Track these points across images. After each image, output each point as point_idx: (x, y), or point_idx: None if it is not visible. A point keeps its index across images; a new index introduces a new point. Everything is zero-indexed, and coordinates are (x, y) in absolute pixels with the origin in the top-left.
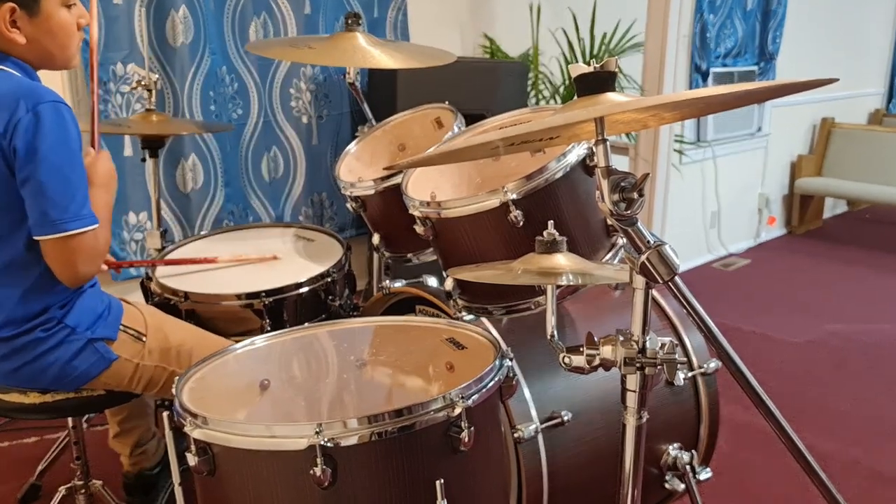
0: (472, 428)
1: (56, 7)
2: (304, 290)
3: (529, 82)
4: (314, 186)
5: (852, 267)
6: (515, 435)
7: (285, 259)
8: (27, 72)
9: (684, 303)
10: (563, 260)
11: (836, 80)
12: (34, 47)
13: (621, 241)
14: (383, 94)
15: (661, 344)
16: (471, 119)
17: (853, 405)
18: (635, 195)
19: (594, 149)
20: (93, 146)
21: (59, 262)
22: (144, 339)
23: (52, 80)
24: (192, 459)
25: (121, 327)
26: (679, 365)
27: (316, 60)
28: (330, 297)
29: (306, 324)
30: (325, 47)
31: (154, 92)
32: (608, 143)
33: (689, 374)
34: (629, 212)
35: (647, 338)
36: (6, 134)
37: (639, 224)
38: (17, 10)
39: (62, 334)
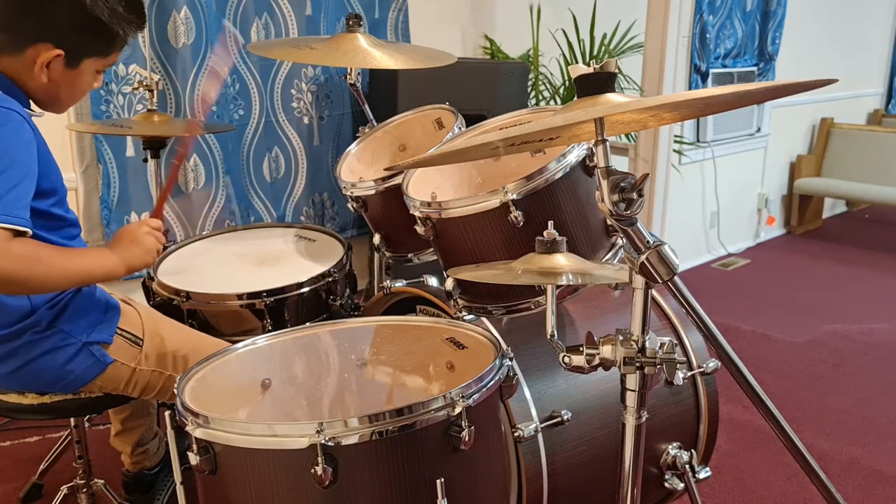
0: (473, 427)
1: (92, 70)
2: (306, 289)
3: (529, 83)
4: (315, 187)
5: (851, 267)
6: (515, 434)
7: (287, 258)
8: (5, 86)
9: (684, 302)
10: (562, 260)
11: (836, 80)
12: (49, 88)
13: (621, 241)
14: (384, 94)
15: (661, 343)
16: (471, 120)
17: (852, 404)
18: (635, 195)
19: (594, 149)
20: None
21: None
22: (141, 343)
23: None
24: (193, 458)
25: (117, 331)
26: (678, 364)
27: (317, 61)
28: (331, 297)
29: (307, 323)
30: (326, 48)
31: (156, 92)
32: (608, 143)
33: (689, 374)
34: (629, 212)
35: (647, 337)
36: None
37: (638, 224)
38: (60, 57)
39: (56, 338)
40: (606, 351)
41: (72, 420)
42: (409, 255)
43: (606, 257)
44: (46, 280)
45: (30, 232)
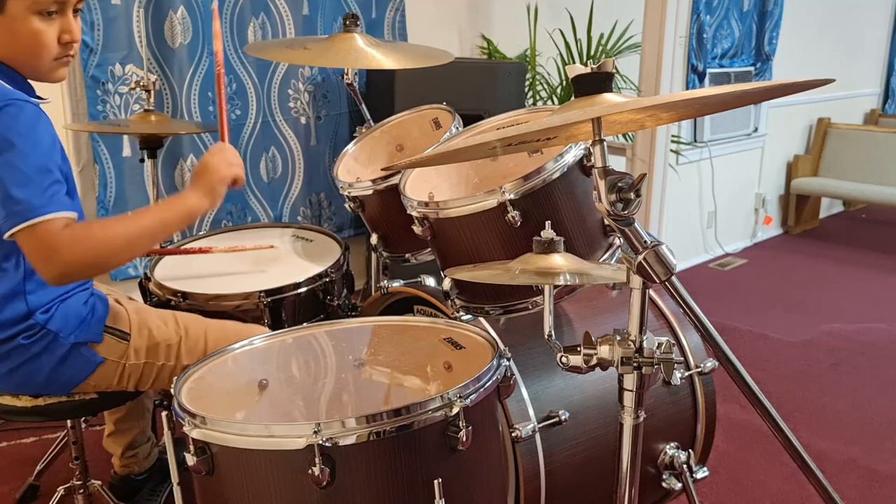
0: (470, 427)
1: (24, 11)
2: (303, 290)
3: (527, 83)
4: (313, 187)
5: (848, 267)
6: (513, 434)
7: (284, 258)
8: (2, 72)
9: (681, 302)
10: (560, 260)
11: (833, 80)
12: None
13: (618, 241)
14: (381, 94)
15: (658, 343)
16: (468, 119)
17: (849, 404)
18: (632, 195)
19: (591, 149)
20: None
21: (35, 256)
22: (128, 338)
23: None
24: (190, 459)
25: (105, 328)
26: (676, 364)
27: (312, 61)
28: (328, 297)
29: (305, 324)
30: (321, 48)
31: (153, 92)
32: (605, 143)
33: (686, 374)
34: (626, 212)
35: (644, 337)
36: None
37: (636, 224)
38: None
39: (45, 340)
40: (604, 351)
41: (68, 421)
42: (407, 255)
43: (604, 257)
44: (113, 252)
45: (75, 216)
